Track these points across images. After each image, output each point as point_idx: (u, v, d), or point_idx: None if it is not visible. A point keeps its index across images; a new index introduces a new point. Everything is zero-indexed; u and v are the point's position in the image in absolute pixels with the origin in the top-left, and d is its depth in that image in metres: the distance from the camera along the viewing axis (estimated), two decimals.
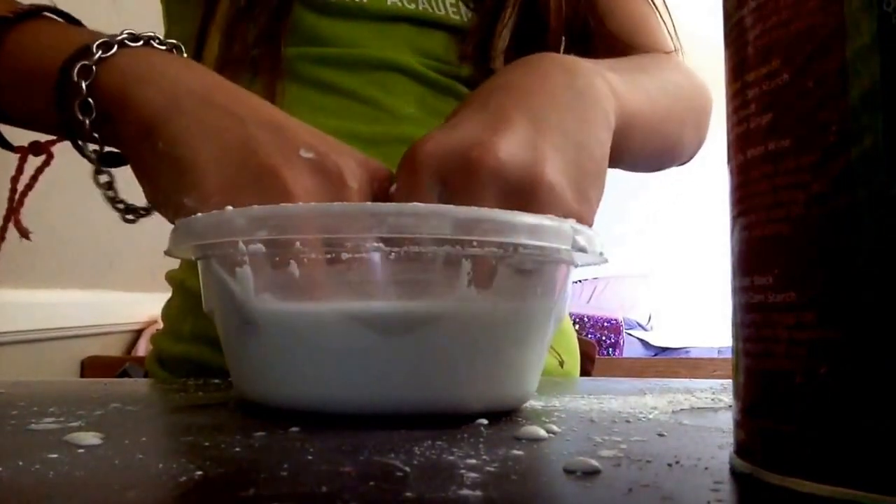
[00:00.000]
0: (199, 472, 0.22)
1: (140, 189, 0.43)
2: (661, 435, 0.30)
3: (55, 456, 0.24)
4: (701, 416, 0.35)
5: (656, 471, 0.23)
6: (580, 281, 3.33)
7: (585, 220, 0.39)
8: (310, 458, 0.24)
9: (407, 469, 0.23)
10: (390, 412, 0.32)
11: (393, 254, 0.31)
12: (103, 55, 0.42)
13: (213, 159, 0.39)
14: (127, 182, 0.44)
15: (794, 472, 0.20)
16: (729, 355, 0.24)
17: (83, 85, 0.42)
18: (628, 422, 0.33)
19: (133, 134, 0.41)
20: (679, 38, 0.70)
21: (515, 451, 0.26)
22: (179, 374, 0.61)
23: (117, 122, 0.42)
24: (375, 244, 0.31)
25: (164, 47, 0.45)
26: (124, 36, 0.43)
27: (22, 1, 0.50)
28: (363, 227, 0.31)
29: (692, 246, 3.39)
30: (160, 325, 0.68)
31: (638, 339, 3.16)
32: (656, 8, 0.70)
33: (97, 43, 0.42)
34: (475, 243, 0.31)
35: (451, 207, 0.33)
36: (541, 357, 0.37)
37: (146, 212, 0.45)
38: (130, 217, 0.46)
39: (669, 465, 0.24)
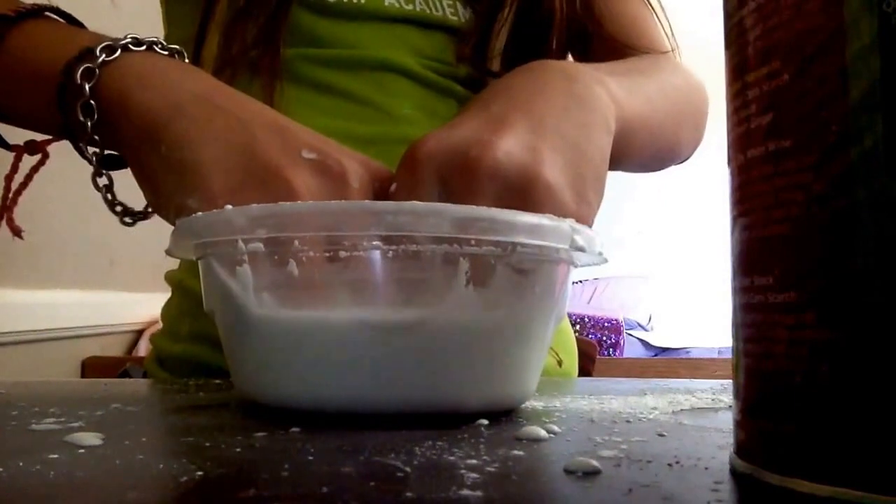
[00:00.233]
0: (200, 473, 0.22)
1: (138, 192, 0.43)
2: (661, 435, 0.30)
3: (56, 456, 0.24)
4: (701, 416, 0.35)
5: (656, 471, 0.23)
6: (581, 281, 3.32)
7: (584, 221, 0.40)
8: (310, 458, 0.24)
9: (407, 469, 0.23)
10: (390, 411, 0.32)
11: (391, 252, 0.31)
12: (107, 58, 0.42)
13: (216, 161, 0.39)
14: (126, 186, 0.44)
15: (794, 473, 0.20)
16: (729, 356, 0.24)
17: (86, 87, 0.42)
18: (629, 422, 0.33)
19: (134, 137, 0.41)
20: (678, 38, 0.70)
21: (516, 452, 0.26)
22: (178, 373, 0.61)
23: (118, 124, 0.42)
24: (374, 242, 0.31)
25: (166, 52, 0.45)
26: (128, 40, 0.43)
27: (24, 0, 0.50)
28: (361, 225, 0.31)
29: (692, 246, 3.39)
30: (160, 326, 0.68)
31: (638, 339, 3.16)
32: (653, 9, 0.70)
33: (101, 46, 0.42)
34: (473, 242, 0.31)
35: (449, 206, 0.33)
36: (541, 357, 0.37)
37: (144, 215, 0.45)
38: (128, 220, 0.46)
39: (670, 465, 0.24)
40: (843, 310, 0.19)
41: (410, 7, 0.63)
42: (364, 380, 0.32)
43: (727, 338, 0.24)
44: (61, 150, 0.48)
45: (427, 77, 0.63)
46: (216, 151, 0.39)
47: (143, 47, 0.44)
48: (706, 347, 2.94)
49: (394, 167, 0.41)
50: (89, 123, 0.42)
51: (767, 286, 0.21)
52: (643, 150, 0.56)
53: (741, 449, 0.23)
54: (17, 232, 0.50)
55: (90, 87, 0.42)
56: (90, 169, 0.44)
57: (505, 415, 0.34)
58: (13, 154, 0.49)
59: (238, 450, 0.25)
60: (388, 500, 0.19)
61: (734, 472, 0.23)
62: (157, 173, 0.40)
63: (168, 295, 0.67)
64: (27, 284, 1.31)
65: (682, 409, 0.37)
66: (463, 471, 0.22)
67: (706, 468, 0.24)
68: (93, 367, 1.53)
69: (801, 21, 0.20)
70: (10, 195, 0.50)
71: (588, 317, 3.00)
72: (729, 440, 0.26)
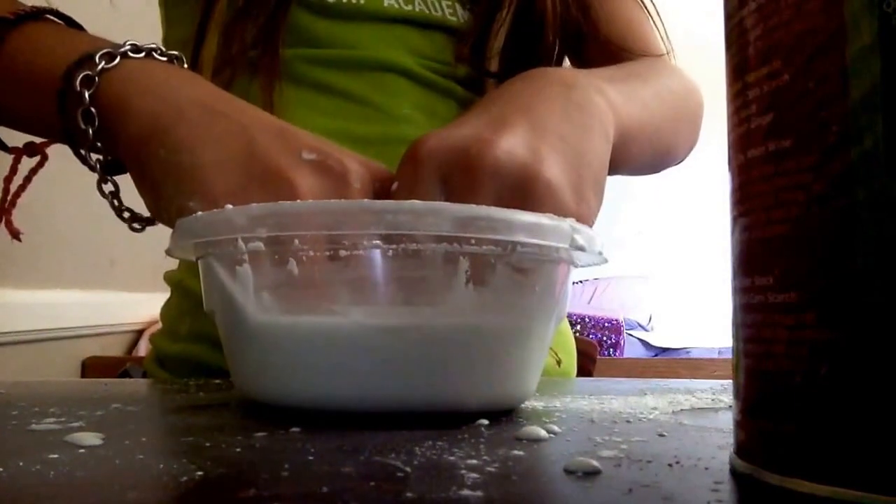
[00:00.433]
0: (200, 473, 0.22)
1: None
2: (661, 435, 0.30)
3: (56, 456, 0.24)
4: (701, 416, 0.35)
5: (656, 471, 0.23)
6: (581, 281, 3.32)
7: (584, 221, 0.40)
8: (310, 458, 0.24)
9: (407, 469, 0.23)
10: (390, 411, 0.32)
11: (391, 251, 0.31)
12: (106, 66, 0.42)
13: (216, 164, 0.39)
14: (134, 191, 0.44)
15: (793, 473, 0.20)
16: (729, 356, 0.24)
17: (86, 94, 0.42)
18: (629, 422, 0.33)
19: (134, 141, 0.41)
20: (678, 39, 0.71)
21: (516, 452, 0.26)
22: (178, 373, 0.61)
23: (117, 130, 0.42)
24: (374, 241, 0.31)
25: (165, 58, 0.45)
26: (127, 47, 0.43)
27: (24, 2, 0.50)
28: (361, 224, 0.31)
29: (692, 246, 3.39)
30: (160, 326, 0.68)
31: (638, 339, 3.16)
32: (648, 12, 0.70)
33: (100, 53, 0.42)
34: (473, 241, 0.31)
35: (448, 205, 0.33)
36: (541, 357, 0.37)
37: (152, 220, 0.45)
38: (137, 226, 0.46)
39: (670, 465, 0.24)
40: (843, 310, 0.19)
41: (409, 8, 0.63)
42: (364, 380, 0.32)
43: (727, 338, 0.24)
44: (61, 151, 0.48)
45: (426, 77, 0.63)
46: (217, 154, 0.39)
47: (142, 54, 0.44)
48: (706, 347, 2.94)
49: (393, 167, 0.41)
50: (90, 130, 0.42)
51: (767, 286, 0.21)
52: (641, 156, 0.57)
53: (741, 449, 0.23)
54: (15, 234, 0.50)
55: (90, 95, 0.42)
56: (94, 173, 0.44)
57: (505, 415, 0.34)
58: (12, 156, 0.49)
59: (238, 450, 0.25)
60: (388, 500, 0.19)
61: (734, 472, 0.23)
62: (157, 177, 0.40)
63: (168, 295, 0.67)
64: (27, 284, 1.31)
65: (682, 409, 0.37)
66: (463, 471, 0.22)
67: (706, 468, 0.24)
68: (93, 367, 1.53)
69: (802, 21, 0.20)
70: (9, 198, 0.50)
71: (588, 317, 3.00)
72: (729, 440, 0.26)
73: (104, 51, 0.43)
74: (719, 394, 0.44)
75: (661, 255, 3.54)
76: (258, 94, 0.58)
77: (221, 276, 0.34)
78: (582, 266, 0.38)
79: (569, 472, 0.23)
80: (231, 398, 0.40)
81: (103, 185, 0.44)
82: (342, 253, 0.32)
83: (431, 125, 0.61)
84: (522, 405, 0.37)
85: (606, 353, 2.89)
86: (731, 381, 0.24)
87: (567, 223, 0.34)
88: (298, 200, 0.37)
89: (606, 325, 3.00)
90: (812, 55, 0.20)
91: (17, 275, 1.27)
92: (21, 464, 0.23)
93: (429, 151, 0.39)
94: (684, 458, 0.25)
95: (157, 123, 0.40)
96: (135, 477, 0.22)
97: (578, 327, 2.91)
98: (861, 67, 0.19)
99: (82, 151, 0.43)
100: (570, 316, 0.72)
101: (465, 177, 0.39)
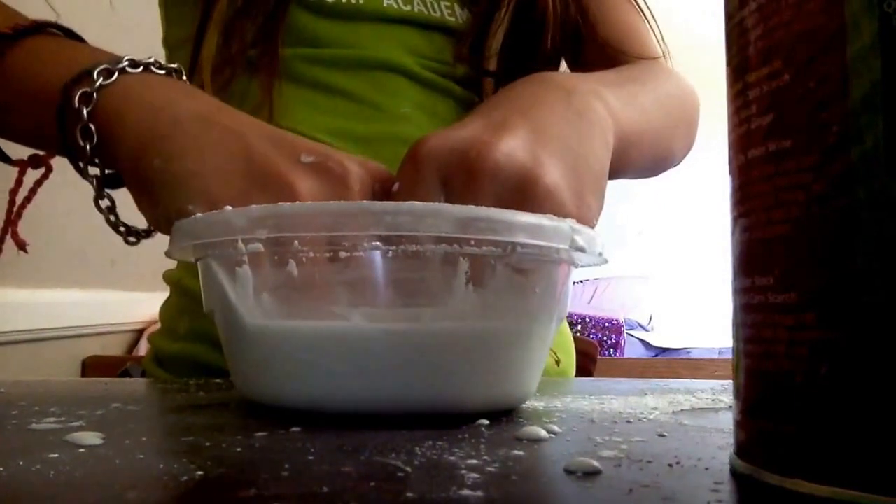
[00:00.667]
0: (200, 473, 0.22)
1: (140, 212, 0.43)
2: (661, 435, 0.30)
3: (56, 456, 0.24)
4: (701, 416, 0.35)
5: (657, 471, 0.23)
6: (581, 282, 3.33)
7: (585, 223, 0.40)
8: (311, 458, 0.24)
9: (408, 469, 0.23)
10: (390, 411, 0.32)
11: (391, 252, 0.31)
12: (104, 82, 0.43)
13: (216, 169, 0.39)
14: (130, 205, 0.44)
15: (794, 473, 0.20)
16: (729, 356, 0.24)
17: (84, 112, 0.42)
18: (629, 422, 0.33)
19: (132, 151, 0.41)
20: (677, 39, 0.71)
21: (516, 452, 0.26)
22: (176, 373, 0.61)
23: (115, 144, 0.42)
24: (373, 243, 0.31)
25: (163, 72, 0.45)
26: (125, 63, 0.44)
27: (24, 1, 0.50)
28: (361, 226, 0.31)
29: (692, 246, 3.39)
30: (160, 326, 0.68)
31: (639, 339, 3.16)
32: (644, 15, 0.71)
33: (98, 69, 0.43)
34: (473, 242, 0.31)
35: (448, 206, 0.33)
36: (542, 357, 0.37)
37: (147, 234, 0.46)
38: (132, 240, 0.46)
39: (670, 465, 0.24)
40: (843, 310, 0.19)
41: (409, 8, 0.64)
42: (364, 380, 0.32)
43: (727, 338, 0.24)
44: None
45: (425, 77, 0.63)
46: (215, 160, 0.39)
47: (140, 69, 0.44)
48: (706, 347, 2.94)
49: (393, 166, 0.42)
50: (88, 147, 0.42)
51: (768, 286, 0.21)
52: (640, 161, 0.58)
53: (741, 449, 0.23)
54: (21, 246, 0.50)
55: (88, 112, 0.42)
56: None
57: (505, 415, 0.34)
58: (17, 168, 0.50)
59: (238, 450, 0.25)
60: (388, 500, 0.19)
61: (734, 473, 0.23)
62: (155, 186, 0.40)
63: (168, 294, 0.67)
64: (28, 284, 1.31)
65: (682, 410, 0.37)
66: (463, 471, 0.22)
67: (706, 468, 0.24)
68: (93, 367, 1.53)
69: (802, 21, 0.20)
70: (15, 209, 0.50)
71: (589, 317, 3.00)
72: (729, 440, 0.26)
73: (102, 67, 0.43)
74: (719, 394, 0.44)
75: (662, 255, 3.54)
76: (257, 93, 0.58)
77: (221, 278, 0.34)
78: (582, 266, 0.38)
79: (569, 472, 0.23)
80: (231, 398, 0.40)
81: (100, 201, 0.44)
82: (342, 254, 0.32)
83: (431, 124, 0.61)
84: (523, 405, 0.37)
85: (607, 353, 2.89)
86: (731, 381, 0.24)
87: (567, 224, 0.34)
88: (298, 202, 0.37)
89: (607, 325, 3.00)
90: (812, 55, 0.20)
91: (17, 274, 1.27)
92: (21, 463, 0.23)
93: (429, 153, 0.39)
94: (684, 458, 0.25)
95: (154, 133, 0.41)
96: (135, 477, 0.22)
97: (579, 327, 2.91)
98: (861, 67, 0.19)
99: (81, 165, 0.43)
100: (570, 316, 0.73)
101: (465, 178, 0.39)
